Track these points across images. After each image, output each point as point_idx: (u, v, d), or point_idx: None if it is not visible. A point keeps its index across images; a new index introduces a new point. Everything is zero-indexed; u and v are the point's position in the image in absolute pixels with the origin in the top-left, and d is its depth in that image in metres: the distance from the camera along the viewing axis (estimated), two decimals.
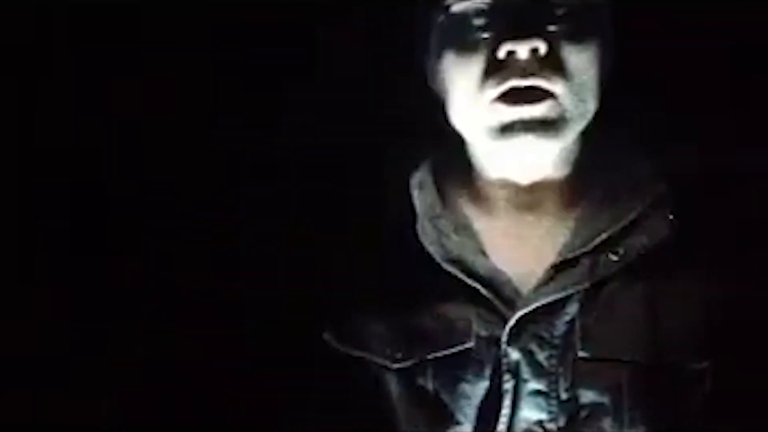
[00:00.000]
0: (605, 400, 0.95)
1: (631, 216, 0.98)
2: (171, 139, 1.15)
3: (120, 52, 1.15)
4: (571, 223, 1.01)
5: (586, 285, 0.97)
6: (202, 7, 1.13)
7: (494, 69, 0.94)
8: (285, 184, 1.10)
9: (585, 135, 1.00)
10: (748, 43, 1.01)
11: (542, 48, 0.92)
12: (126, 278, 1.14)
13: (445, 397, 0.98)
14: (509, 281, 1.00)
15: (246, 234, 1.10)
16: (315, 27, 1.11)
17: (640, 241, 0.98)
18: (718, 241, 0.97)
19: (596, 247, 0.98)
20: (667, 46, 0.99)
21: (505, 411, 0.96)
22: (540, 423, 0.96)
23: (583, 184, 1.02)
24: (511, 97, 0.94)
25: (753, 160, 0.97)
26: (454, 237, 1.02)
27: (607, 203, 1.00)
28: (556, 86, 0.93)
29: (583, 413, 0.95)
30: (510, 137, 0.95)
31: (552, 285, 0.98)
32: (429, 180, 1.04)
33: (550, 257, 1.00)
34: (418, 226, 1.02)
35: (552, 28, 0.93)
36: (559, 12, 0.94)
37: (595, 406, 0.95)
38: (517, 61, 0.92)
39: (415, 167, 1.05)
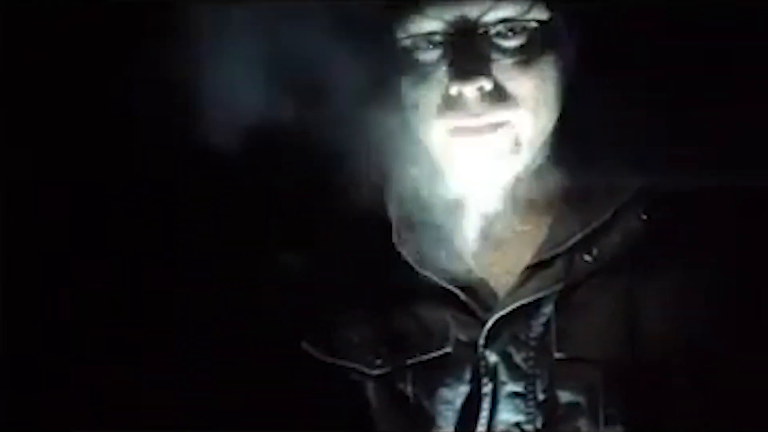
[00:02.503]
0: (581, 400, 0.96)
1: (605, 217, 0.99)
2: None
3: None
4: (546, 225, 1.02)
5: (561, 286, 0.98)
6: None
7: (446, 105, 0.95)
8: (262, 190, 1.11)
9: (557, 136, 1.00)
10: (721, 43, 1.01)
11: (488, 86, 0.93)
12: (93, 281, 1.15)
13: (424, 402, 0.99)
14: (486, 284, 1.01)
15: (223, 240, 1.10)
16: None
17: (614, 241, 0.99)
18: (692, 241, 0.98)
19: (570, 248, 0.99)
20: (638, 45, 0.99)
21: (484, 414, 0.97)
22: (518, 425, 0.97)
23: (558, 185, 1.03)
24: (464, 132, 0.95)
25: (729, 159, 0.98)
26: (431, 243, 1.03)
27: (581, 204, 1.01)
28: (508, 115, 0.95)
29: (560, 414, 0.96)
30: (469, 163, 0.97)
31: (527, 287, 0.99)
32: (405, 187, 1.05)
33: (526, 259, 1.01)
34: (394, 234, 1.03)
35: (499, 59, 0.93)
36: (506, 44, 0.94)
37: (571, 406, 0.96)
38: (467, 98, 0.93)
39: (391, 174, 1.05)
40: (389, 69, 0.97)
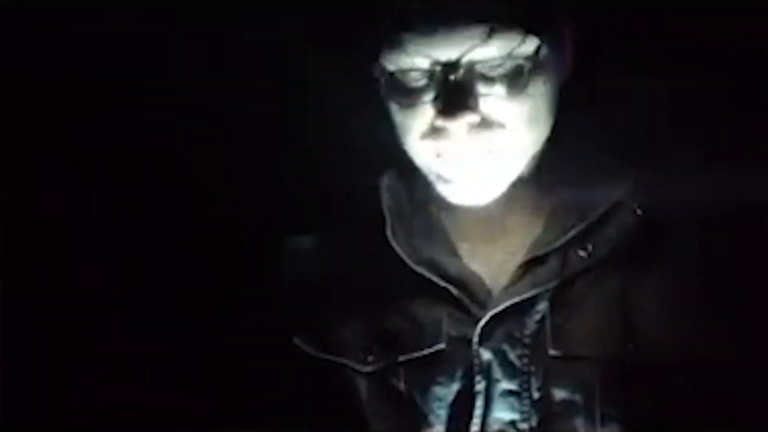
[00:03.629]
0: (577, 398, 0.94)
1: (600, 212, 0.98)
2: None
3: None
4: (540, 221, 1.01)
5: (556, 282, 0.97)
6: None
7: (433, 132, 0.93)
8: (253, 185, 1.10)
9: (552, 135, 0.99)
10: (712, 49, 1.02)
11: (474, 119, 0.91)
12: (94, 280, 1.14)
13: (417, 399, 0.97)
14: (480, 281, 1.00)
15: (215, 237, 1.09)
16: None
17: (609, 237, 0.98)
18: (688, 236, 0.97)
19: (565, 243, 0.98)
20: (631, 47, 0.99)
21: (478, 412, 0.96)
22: (512, 423, 0.95)
23: (552, 181, 1.01)
24: (452, 157, 0.93)
25: (723, 156, 0.97)
26: (425, 238, 1.02)
27: (575, 200, 0.99)
28: (497, 139, 0.93)
29: (556, 412, 0.95)
30: (459, 185, 0.95)
31: (522, 283, 0.98)
32: (399, 182, 1.04)
33: (521, 255, 0.99)
34: (388, 228, 1.01)
35: (487, 93, 0.91)
36: (493, 76, 0.91)
37: (567, 405, 0.95)
38: (454, 131, 0.91)
39: (385, 169, 1.04)
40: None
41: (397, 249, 1.00)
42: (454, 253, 1.01)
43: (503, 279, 0.99)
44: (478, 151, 0.93)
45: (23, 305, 1.14)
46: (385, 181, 1.04)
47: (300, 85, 1.09)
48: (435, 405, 0.97)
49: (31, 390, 1.13)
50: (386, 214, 1.02)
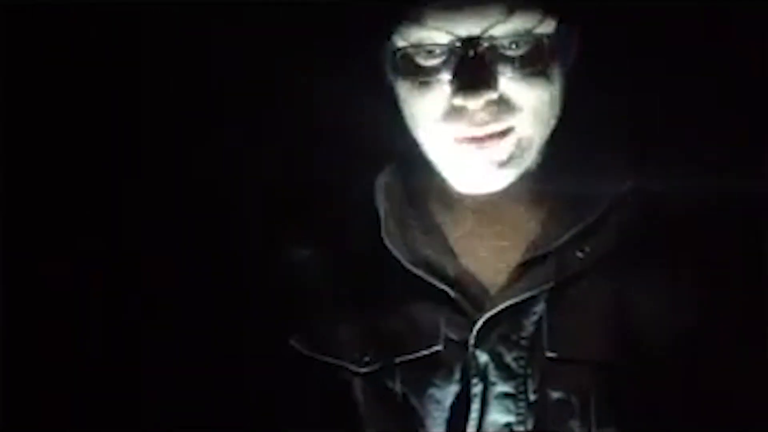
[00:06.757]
0: (573, 400, 0.94)
1: (598, 213, 0.97)
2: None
3: None
4: (538, 222, 1.00)
5: (553, 284, 0.96)
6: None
7: (449, 114, 0.91)
8: (249, 188, 1.09)
9: (553, 134, 0.98)
10: (711, 47, 1.01)
11: (493, 97, 0.89)
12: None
13: (413, 401, 0.97)
14: (477, 282, 0.99)
15: (211, 238, 1.09)
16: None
17: (606, 238, 0.97)
18: (686, 238, 0.96)
19: (562, 245, 0.97)
20: (634, 45, 0.98)
21: (474, 415, 0.95)
22: (509, 426, 0.95)
23: (550, 181, 1.01)
24: (468, 141, 0.92)
25: (721, 156, 0.97)
26: (422, 238, 1.01)
27: (573, 201, 0.99)
28: (513, 121, 0.91)
29: (552, 414, 0.94)
30: (471, 170, 0.94)
31: (519, 285, 0.97)
32: (395, 181, 1.03)
33: (518, 256, 0.99)
34: (383, 229, 1.01)
35: (506, 71, 0.89)
36: (512, 55, 0.89)
37: (563, 407, 0.94)
38: (471, 110, 0.90)
39: (380, 169, 1.03)
40: (385, 70, 0.94)
41: (392, 249, 1.00)
42: (451, 254, 1.00)
43: (500, 280, 0.99)
44: (496, 134, 0.91)
45: (21, 307, 1.14)
46: (381, 180, 1.03)
47: (294, 82, 1.08)
48: (431, 407, 0.96)
49: (31, 391, 1.13)
50: (381, 214, 1.01)
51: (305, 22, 1.04)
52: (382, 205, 1.02)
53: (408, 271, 0.99)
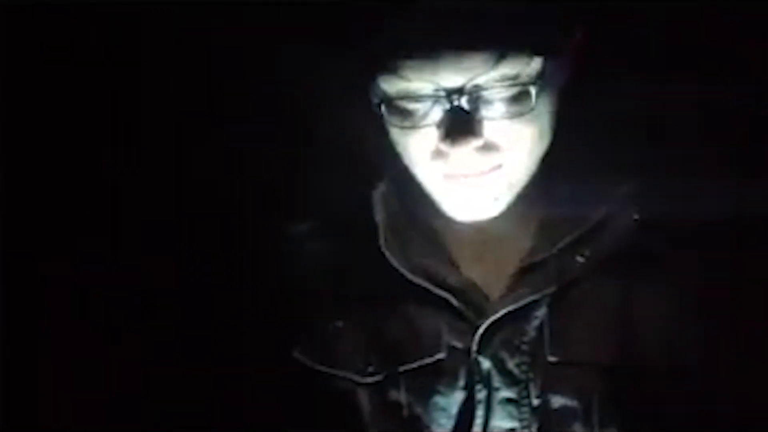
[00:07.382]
0: (576, 404, 0.95)
1: (596, 217, 0.98)
2: None
3: None
4: (537, 227, 1.00)
5: (554, 288, 0.97)
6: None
7: (439, 155, 0.90)
8: (249, 194, 1.09)
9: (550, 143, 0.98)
10: (707, 57, 1.01)
11: (479, 143, 0.88)
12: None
13: (418, 409, 0.98)
14: (478, 289, 0.99)
15: (213, 247, 1.09)
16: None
17: (606, 242, 0.97)
18: (686, 242, 0.97)
19: (562, 249, 0.98)
20: (625, 57, 0.98)
21: (478, 421, 0.96)
22: (513, 431, 0.96)
23: (548, 186, 1.01)
24: (456, 177, 0.92)
25: (720, 163, 0.97)
26: (420, 247, 1.01)
27: (573, 205, 0.99)
28: (502, 159, 0.91)
29: (555, 419, 0.96)
30: (464, 202, 0.94)
31: (519, 290, 0.98)
32: (392, 191, 1.03)
33: (518, 262, 0.99)
34: (381, 238, 1.00)
35: (492, 117, 0.88)
36: (498, 99, 0.88)
37: (565, 411, 0.95)
38: (457, 155, 0.89)
39: (378, 179, 1.03)
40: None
41: (391, 260, 1.00)
42: (451, 262, 1.01)
43: (501, 286, 0.99)
44: (484, 170, 0.91)
45: (21, 307, 1.14)
46: (378, 191, 1.02)
47: (295, 94, 1.07)
48: (436, 415, 0.98)
49: (31, 391, 1.14)
50: (379, 224, 1.01)
51: (305, 21, 1.03)
52: (379, 217, 1.01)
53: (408, 280, 0.99)
